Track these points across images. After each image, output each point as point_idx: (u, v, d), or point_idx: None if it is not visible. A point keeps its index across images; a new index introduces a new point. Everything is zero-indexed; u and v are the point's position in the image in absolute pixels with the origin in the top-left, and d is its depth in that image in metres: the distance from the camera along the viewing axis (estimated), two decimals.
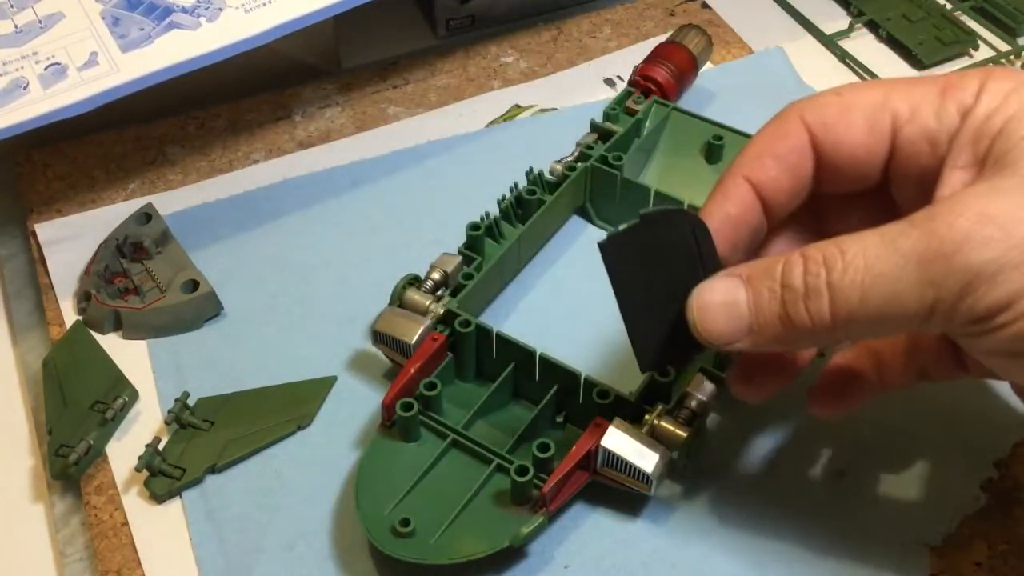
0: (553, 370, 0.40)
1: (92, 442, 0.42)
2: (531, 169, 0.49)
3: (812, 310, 0.31)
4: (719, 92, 0.58)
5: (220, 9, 0.50)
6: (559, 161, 0.50)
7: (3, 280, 0.52)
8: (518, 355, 0.41)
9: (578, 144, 0.51)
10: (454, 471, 0.39)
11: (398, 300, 0.43)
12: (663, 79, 0.53)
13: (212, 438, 0.43)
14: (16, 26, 0.50)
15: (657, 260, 0.34)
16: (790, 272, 0.31)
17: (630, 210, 0.48)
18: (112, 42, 0.49)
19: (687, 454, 0.39)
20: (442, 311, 0.42)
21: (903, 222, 0.30)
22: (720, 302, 0.33)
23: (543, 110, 0.58)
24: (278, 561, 0.39)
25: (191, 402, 0.44)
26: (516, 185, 0.48)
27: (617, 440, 0.37)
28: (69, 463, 0.41)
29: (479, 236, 0.46)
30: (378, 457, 0.39)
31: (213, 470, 0.42)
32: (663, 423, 0.38)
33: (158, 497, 0.41)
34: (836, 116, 0.34)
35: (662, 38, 0.57)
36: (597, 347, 0.45)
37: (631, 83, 0.54)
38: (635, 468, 0.37)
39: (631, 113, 0.52)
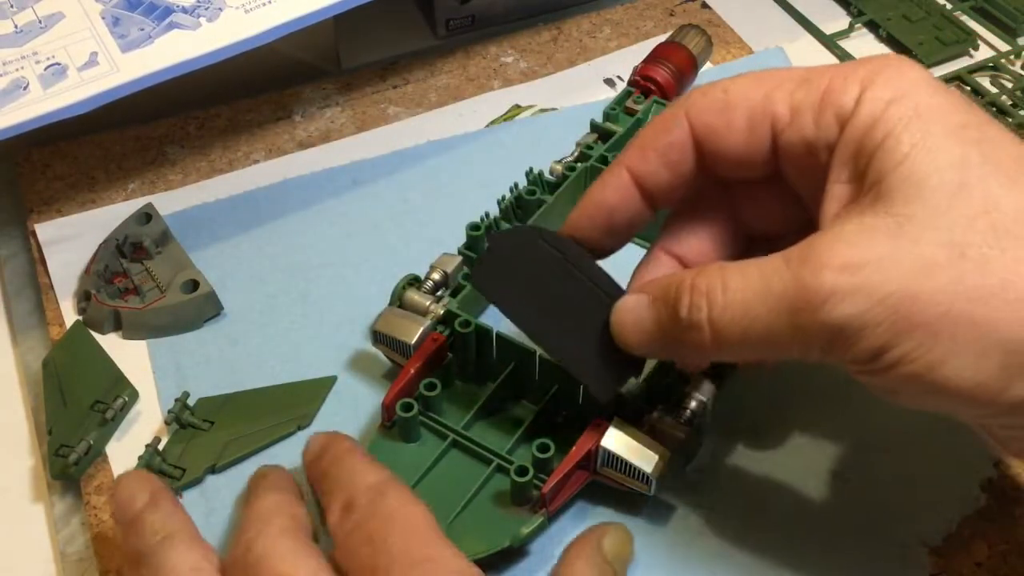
0: (553, 370, 0.40)
1: (92, 442, 0.42)
2: (531, 169, 0.48)
3: (696, 340, 0.32)
4: None
5: (220, 9, 0.50)
6: (559, 161, 0.50)
7: (3, 280, 0.52)
8: (518, 355, 0.41)
9: (578, 144, 0.50)
10: (454, 471, 0.39)
11: (398, 300, 0.43)
12: (663, 79, 0.53)
13: (212, 438, 0.43)
14: (16, 26, 0.50)
15: (532, 279, 0.36)
16: (678, 302, 0.33)
17: None
18: (112, 42, 0.49)
19: (687, 454, 0.39)
20: (442, 312, 0.42)
21: (781, 259, 0.31)
22: (632, 320, 0.35)
23: (543, 110, 0.58)
24: None
25: (191, 402, 0.44)
26: (516, 185, 0.48)
27: (617, 440, 0.37)
28: (69, 463, 0.41)
29: (479, 236, 0.46)
30: (378, 457, 0.38)
31: (213, 470, 0.42)
32: (663, 423, 0.38)
33: None
34: (717, 116, 0.34)
35: (662, 38, 0.57)
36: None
37: (631, 83, 0.54)
38: (635, 468, 0.37)
39: (631, 113, 0.51)
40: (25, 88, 0.47)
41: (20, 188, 0.54)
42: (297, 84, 0.59)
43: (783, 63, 0.60)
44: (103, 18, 0.50)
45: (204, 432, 0.43)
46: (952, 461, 0.41)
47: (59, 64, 0.48)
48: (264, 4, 0.50)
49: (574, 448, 0.38)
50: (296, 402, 0.44)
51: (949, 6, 0.64)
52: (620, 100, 0.52)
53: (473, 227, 0.46)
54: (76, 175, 0.55)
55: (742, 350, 0.32)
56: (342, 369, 0.45)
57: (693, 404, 0.38)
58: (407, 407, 0.39)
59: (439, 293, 0.44)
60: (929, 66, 0.60)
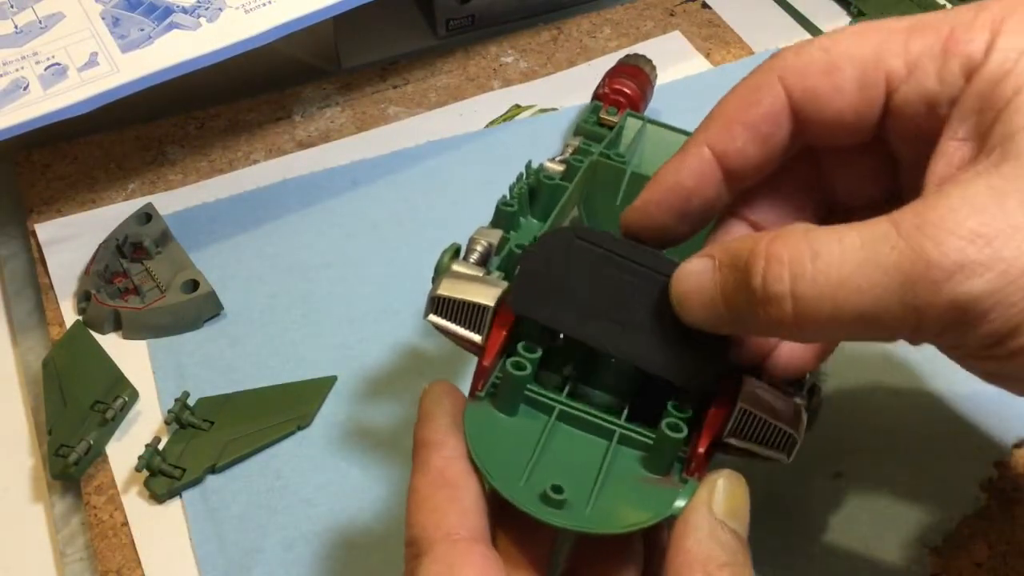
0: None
1: (92, 442, 0.42)
2: (530, 162, 0.47)
3: (773, 316, 0.27)
4: (719, 93, 0.58)
5: (220, 9, 0.50)
6: (553, 159, 0.49)
7: (3, 280, 0.52)
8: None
9: (568, 144, 0.50)
10: (569, 446, 0.33)
11: (445, 273, 0.38)
12: (632, 91, 0.53)
13: (212, 438, 0.43)
14: (16, 26, 0.50)
15: (580, 285, 0.33)
16: (750, 270, 0.28)
17: None
18: (112, 42, 0.49)
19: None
20: (504, 282, 0.36)
21: (888, 223, 0.26)
22: (693, 288, 0.30)
23: (543, 110, 0.58)
24: (278, 561, 0.39)
25: (191, 402, 0.44)
26: (524, 175, 0.45)
27: (758, 398, 0.32)
28: (69, 463, 0.41)
29: (513, 212, 0.42)
30: (481, 428, 0.33)
31: (213, 470, 0.42)
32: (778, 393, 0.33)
33: (158, 497, 0.41)
34: (821, 78, 0.30)
35: (661, 38, 0.57)
36: None
37: (598, 97, 0.54)
38: (779, 431, 0.32)
39: (605, 125, 0.51)
40: (25, 88, 0.47)
41: (20, 188, 0.54)
42: (297, 84, 0.59)
43: None
44: (103, 18, 0.50)
45: (204, 432, 0.43)
46: (952, 461, 0.41)
47: (59, 64, 0.48)
48: (264, 4, 0.50)
49: (712, 408, 0.33)
50: (296, 402, 0.44)
51: (949, 6, 0.64)
52: (594, 111, 0.51)
53: (506, 203, 0.42)
54: (76, 175, 0.55)
55: (831, 330, 0.27)
56: (342, 369, 0.45)
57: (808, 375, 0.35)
58: (520, 365, 0.33)
59: (487, 266, 0.39)
60: None
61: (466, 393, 0.34)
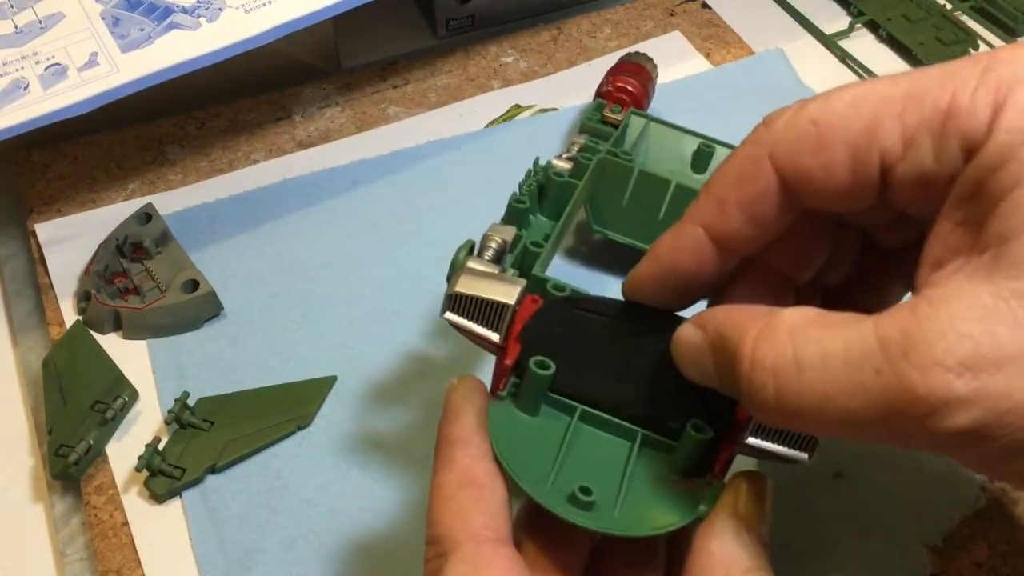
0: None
1: (92, 442, 0.42)
2: (538, 159, 0.46)
3: (761, 414, 0.27)
4: (718, 93, 0.58)
5: (220, 9, 0.50)
6: (560, 157, 0.48)
7: (3, 280, 0.52)
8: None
9: (574, 142, 0.50)
10: (591, 447, 0.33)
11: (461, 271, 0.37)
12: (635, 89, 0.53)
13: (212, 438, 0.43)
14: (16, 26, 0.50)
15: (584, 354, 0.33)
16: (735, 367, 0.27)
17: (638, 212, 0.46)
18: (112, 42, 0.49)
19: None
20: (523, 279, 0.36)
21: (875, 339, 0.25)
22: (691, 358, 0.30)
23: (543, 110, 0.58)
24: (278, 561, 0.39)
25: (191, 402, 0.44)
26: (533, 170, 0.45)
27: None
28: (69, 463, 0.41)
29: (526, 209, 0.42)
30: (503, 428, 0.32)
31: (213, 470, 0.42)
32: None
33: (158, 497, 0.41)
34: (811, 158, 0.28)
35: (661, 38, 0.57)
36: None
37: (602, 95, 0.53)
38: (799, 437, 0.32)
39: (610, 124, 0.51)
40: (25, 88, 0.47)
41: (20, 188, 0.54)
42: (297, 84, 0.59)
43: (783, 64, 0.60)
44: (103, 18, 0.50)
45: (204, 432, 0.43)
46: (952, 461, 0.41)
47: (59, 64, 0.48)
48: (264, 4, 0.50)
49: (739, 410, 0.32)
50: (296, 402, 0.44)
51: (949, 6, 0.64)
52: (598, 109, 0.51)
53: (518, 200, 0.42)
54: (76, 175, 0.55)
55: (823, 432, 0.27)
56: (342, 369, 0.45)
57: None
58: (544, 364, 0.32)
59: (501, 263, 0.39)
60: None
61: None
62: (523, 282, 0.35)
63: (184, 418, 0.43)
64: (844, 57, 0.62)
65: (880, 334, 0.25)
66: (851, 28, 0.63)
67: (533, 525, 0.31)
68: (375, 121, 0.57)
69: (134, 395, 0.45)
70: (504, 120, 0.57)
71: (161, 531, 0.41)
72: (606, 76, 0.54)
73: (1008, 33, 0.63)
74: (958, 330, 0.24)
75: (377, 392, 0.44)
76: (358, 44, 0.62)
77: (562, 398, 0.33)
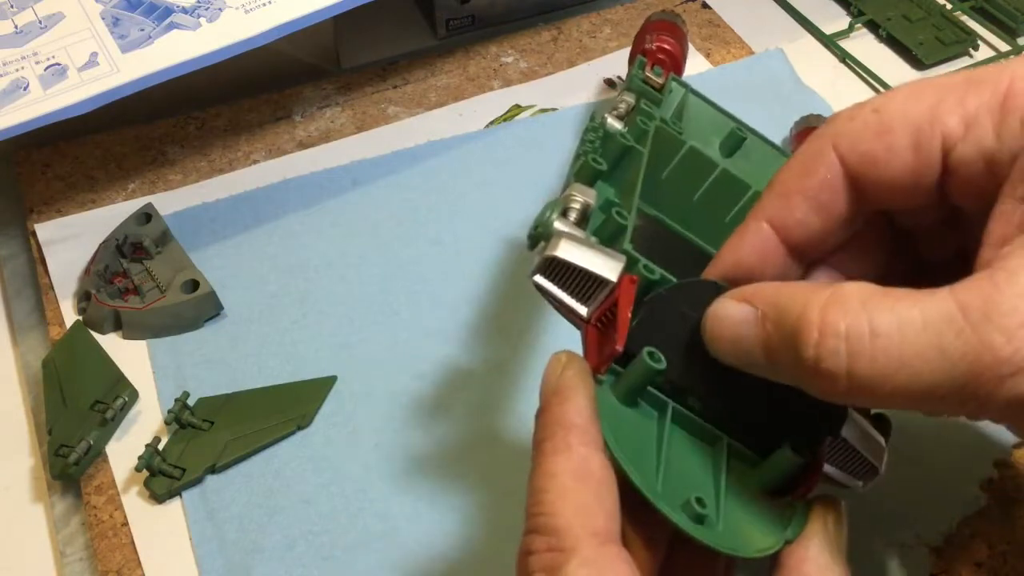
0: None
1: (92, 442, 0.42)
2: (594, 115, 0.42)
3: (823, 386, 0.26)
4: (718, 93, 0.58)
5: (220, 9, 0.50)
6: (611, 113, 0.44)
7: (3, 280, 0.52)
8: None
9: (622, 99, 0.46)
10: (682, 450, 0.32)
11: (552, 233, 0.34)
12: (674, 49, 0.51)
13: (212, 438, 0.43)
14: (16, 26, 0.50)
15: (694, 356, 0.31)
16: (800, 337, 0.26)
17: (674, 188, 0.44)
18: (112, 42, 0.49)
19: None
20: (623, 256, 0.33)
21: (955, 304, 0.25)
22: (729, 336, 0.29)
23: (543, 110, 0.58)
24: (278, 561, 0.39)
25: (191, 402, 0.44)
26: (591, 128, 0.42)
27: (855, 429, 0.31)
28: (69, 463, 0.41)
29: (600, 171, 0.39)
30: (612, 419, 0.30)
31: (213, 470, 0.42)
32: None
33: (158, 497, 0.41)
34: (874, 141, 0.29)
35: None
36: None
37: (643, 52, 0.51)
38: (866, 462, 0.32)
39: (650, 85, 0.48)
40: (25, 88, 0.47)
41: (20, 188, 0.54)
42: (297, 84, 0.59)
43: (783, 64, 0.60)
44: (103, 18, 0.50)
45: (204, 432, 0.43)
46: (952, 461, 0.41)
47: (59, 64, 0.48)
48: (264, 4, 0.50)
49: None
50: (296, 402, 0.44)
51: (949, 6, 0.64)
52: (641, 67, 0.49)
53: (595, 160, 0.39)
54: (76, 175, 0.55)
55: (885, 405, 0.27)
56: (342, 369, 0.45)
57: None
58: (656, 357, 0.30)
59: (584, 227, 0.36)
60: (929, 66, 0.61)
61: None
62: (624, 258, 0.32)
63: (184, 418, 0.43)
64: (844, 57, 0.62)
65: (960, 300, 0.25)
66: (851, 28, 0.63)
67: (631, 518, 0.29)
68: (375, 121, 0.57)
69: (134, 395, 0.45)
70: (504, 120, 0.57)
71: (161, 531, 0.41)
72: (642, 34, 0.53)
73: (1008, 33, 0.63)
74: None
75: (377, 392, 0.44)
76: (358, 44, 0.62)
77: (658, 393, 0.31)
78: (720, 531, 0.29)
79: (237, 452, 0.42)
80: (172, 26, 0.49)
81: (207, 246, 0.51)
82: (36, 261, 0.51)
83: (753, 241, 0.31)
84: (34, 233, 0.52)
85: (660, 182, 0.45)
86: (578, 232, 0.34)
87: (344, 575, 0.39)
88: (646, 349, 0.30)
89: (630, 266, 0.33)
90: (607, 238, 0.35)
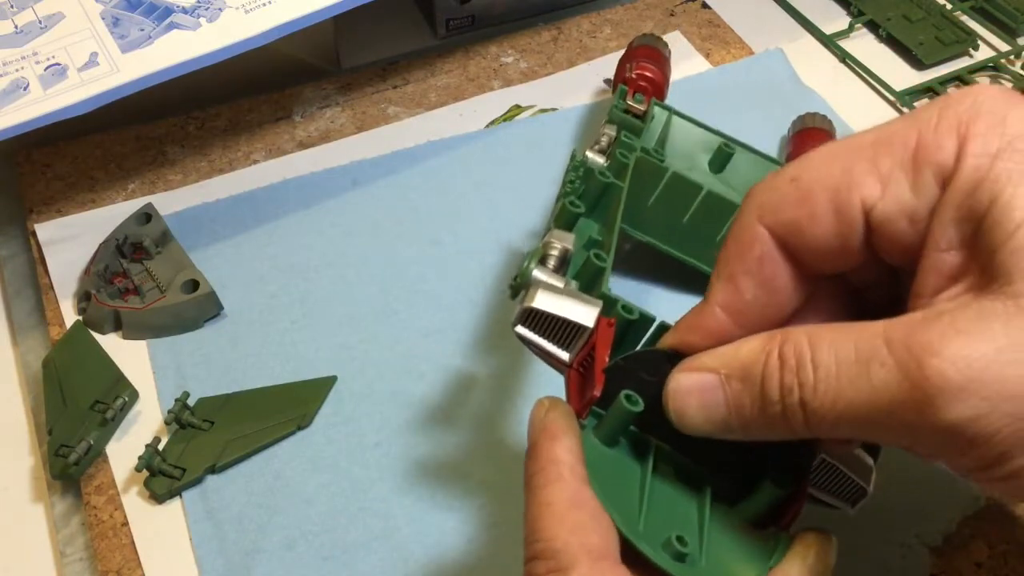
0: None
1: (92, 442, 0.42)
2: (575, 154, 0.44)
3: (787, 426, 0.28)
4: (718, 93, 0.58)
5: (220, 9, 0.50)
6: (592, 148, 0.45)
7: (3, 280, 0.52)
8: None
9: (603, 132, 0.47)
10: (665, 487, 0.33)
11: (529, 282, 0.36)
12: (656, 76, 0.52)
13: (212, 438, 0.43)
14: (16, 26, 0.50)
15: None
16: (766, 384, 0.28)
17: (662, 213, 0.45)
18: (112, 42, 0.49)
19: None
20: (599, 300, 0.35)
21: (881, 339, 0.26)
22: (698, 405, 0.30)
23: (543, 110, 0.58)
24: (278, 561, 0.39)
25: (191, 402, 0.44)
26: (571, 167, 0.43)
27: (843, 453, 0.32)
28: (69, 463, 0.41)
29: (580, 213, 0.40)
30: (594, 459, 0.32)
31: (213, 470, 0.42)
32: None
33: (158, 497, 0.41)
34: (795, 210, 0.29)
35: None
36: None
37: (624, 81, 0.52)
38: (853, 483, 0.33)
39: (632, 113, 0.50)
40: (25, 88, 0.47)
41: (20, 188, 0.54)
42: (297, 84, 0.59)
43: (783, 64, 0.60)
44: (103, 18, 0.50)
45: (204, 432, 0.43)
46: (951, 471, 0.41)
47: (59, 64, 0.48)
48: (264, 4, 0.50)
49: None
50: (296, 402, 0.44)
51: (949, 6, 0.64)
52: (622, 97, 0.50)
53: (573, 203, 0.40)
54: (76, 175, 0.55)
55: (843, 433, 0.28)
56: (342, 369, 0.45)
57: None
58: (633, 400, 0.31)
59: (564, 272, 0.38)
60: (929, 66, 0.61)
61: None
62: (600, 303, 0.34)
63: (184, 418, 0.43)
64: (844, 57, 0.62)
65: (887, 333, 0.26)
66: (851, 28, 0.63)
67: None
68: (375, 121, 0.57)
69: (134, 395, 0.45)
70: (504, 120, 0.57)
71: (161, 531, 0.41)
72: (624, 62, 0.54)
73: (1008, 33, 0.63)
74: (956, 327, 0.25)
75: (377, 392, 0.44)
76: (358, 44, 0.62)
77: (639, 432, 0.33)
78: (703, 567, 0.30)
79: (237, 452, 0.42)
80: (172, 26, 0.49)
81: (207, 246, 0.51)
82: (36, 261, 0.51)
83: (711, 327, 0.31)
84: (34, 233, 0.52)
85: (647, 209, 0.46)
86: (556, 280, 0.35)
87: (344, 575, 0.39)
88: (623, 392, 0.31)
89: (608, 308, 0.34)
90: (587, 280, 0.37)
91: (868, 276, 0.32)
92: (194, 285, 0.47)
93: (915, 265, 0.28)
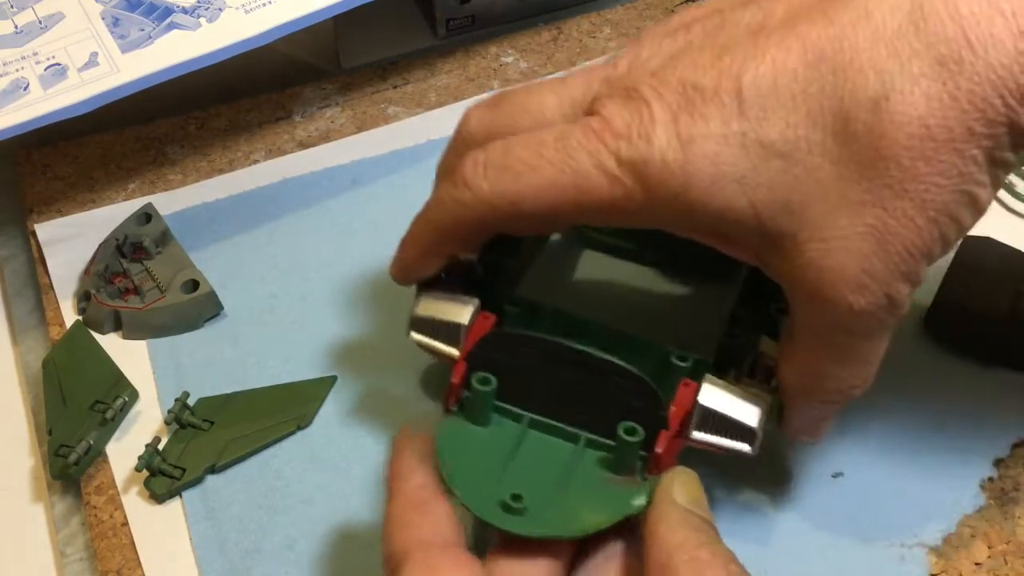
0: (619, 340, 0.37)
1: (92, 442, 0.42)
2: None
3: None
4: None
5: (220, 9, 0.50)
6: None
7: (3, 280, 0.52)
8: (575, 330, 0.38)
9: None
10: (539, 452, 0.35)
11: (419, 295, 0.40)
12: None
13: (212, 438, 0.43)
14: (16, 26, 0.50)
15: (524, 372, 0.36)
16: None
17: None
18: (112, 42, 0.49)
19: (773, 417, 0.36)
20: (475, 299, 0.39)
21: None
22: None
23: None
24: (278, 561, 0.39)
25: (191, 402, 0.44)
26: None
27: (716, 396, 0.35)
28: (69, 463, 0.41)
29: None
30: (454, 440, 0.35)
31: (213, 470, 0.42)
32: (745, 384, 0.36)
33: (158, 497, 0.41)
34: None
35: None
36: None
37: None
38: (738, 424, 0.34)
39: None
40: (25, 88, 0.47)
41: (20, 188, 0.54)
42: (297, 84, 0.59)
43: None
44: (103, 18, 0.50)
45: (204, 432, 0.43)
46: (952, 461, 0.41)
47: (59, 64, 0.48)
48: (264, 4, 0.50)
49: (673, 408, 0.35)
50: (296, 402, 0.44)
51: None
52: None
53: None
54: (76, 175, 0.55)
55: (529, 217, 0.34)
56: (342, 369, 0.45)
57: (770, 363, 0.36)
58: (485, 380, 0.35)
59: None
60: None
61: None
62: (476, 301, 0.38)
63: (184, 418, 0.43)
64: None
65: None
66: None
67: (506, 545, 0.33)
68: (375, 121, 0.57)
69: (134, 395, 0.45)
70: None
71: (161, 531, 0.41)
72: None
73: None
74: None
75: (377, 392, 0.44)
76: (358, 44, 0.62)
77: (511, 407, 0.36)
78: (547, 518, 0.33)
79: (237, 452, 0.42)
80: (172, 26, 0.49)
81: (207, 246, 0.51)
82: (36, 261, 0.51)
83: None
84: (34, 233, 0.52)
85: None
86: (447, 289, 0.39)
87: (344, 575, 0.39)
88: (475, 375, 0.35)
89: (498, 303, 0.39)
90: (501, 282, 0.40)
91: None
92: (194, 285, 0.47)
93: None
